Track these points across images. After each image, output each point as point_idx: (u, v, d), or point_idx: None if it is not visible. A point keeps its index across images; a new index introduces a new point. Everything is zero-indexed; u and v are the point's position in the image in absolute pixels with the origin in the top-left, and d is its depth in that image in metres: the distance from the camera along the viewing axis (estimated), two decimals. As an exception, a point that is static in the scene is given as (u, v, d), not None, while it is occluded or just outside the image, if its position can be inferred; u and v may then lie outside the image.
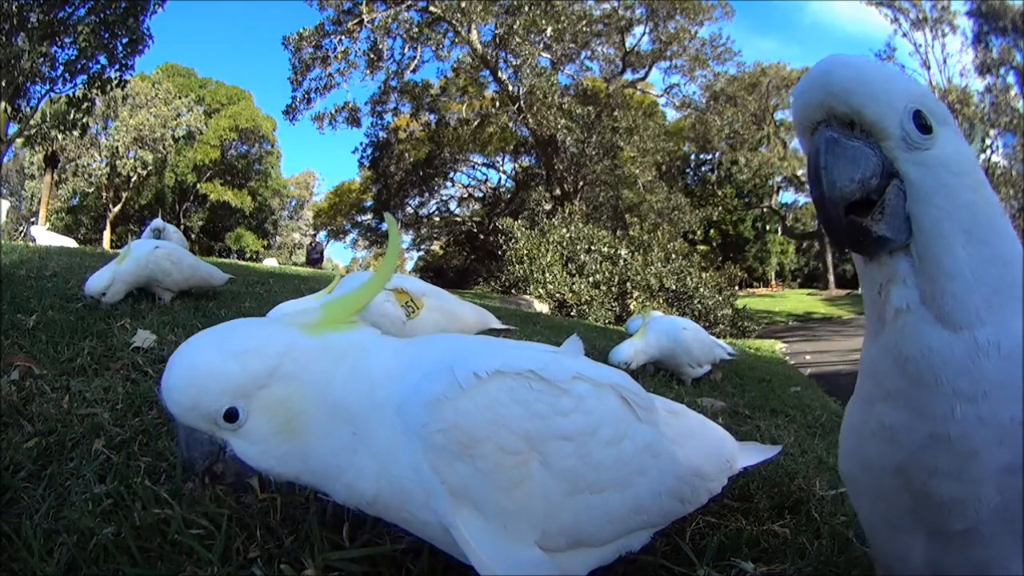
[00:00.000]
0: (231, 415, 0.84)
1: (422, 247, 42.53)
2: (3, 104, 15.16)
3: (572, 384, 0.97)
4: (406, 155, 33.37)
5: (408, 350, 0.98)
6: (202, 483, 0.91)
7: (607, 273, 14.69)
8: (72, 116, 17.31)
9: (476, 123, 30.52)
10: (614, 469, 0.97)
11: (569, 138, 24.88)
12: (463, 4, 23.60)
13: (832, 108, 0.74)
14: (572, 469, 0.92)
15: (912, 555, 0.80)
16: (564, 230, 15.88)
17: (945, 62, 22.72)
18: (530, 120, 25.64)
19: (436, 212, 38.52)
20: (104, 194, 31.90)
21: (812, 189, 0.75)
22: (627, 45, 28.68)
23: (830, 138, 0.74)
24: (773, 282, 50.08)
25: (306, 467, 0.88)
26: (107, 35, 16.14)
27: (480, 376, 0.89)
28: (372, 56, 26.10)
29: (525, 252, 15.10)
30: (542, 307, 13.26)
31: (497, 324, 2.99)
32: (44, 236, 11.12)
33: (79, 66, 16.23)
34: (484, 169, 37.58)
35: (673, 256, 15.76)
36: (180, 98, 33.00)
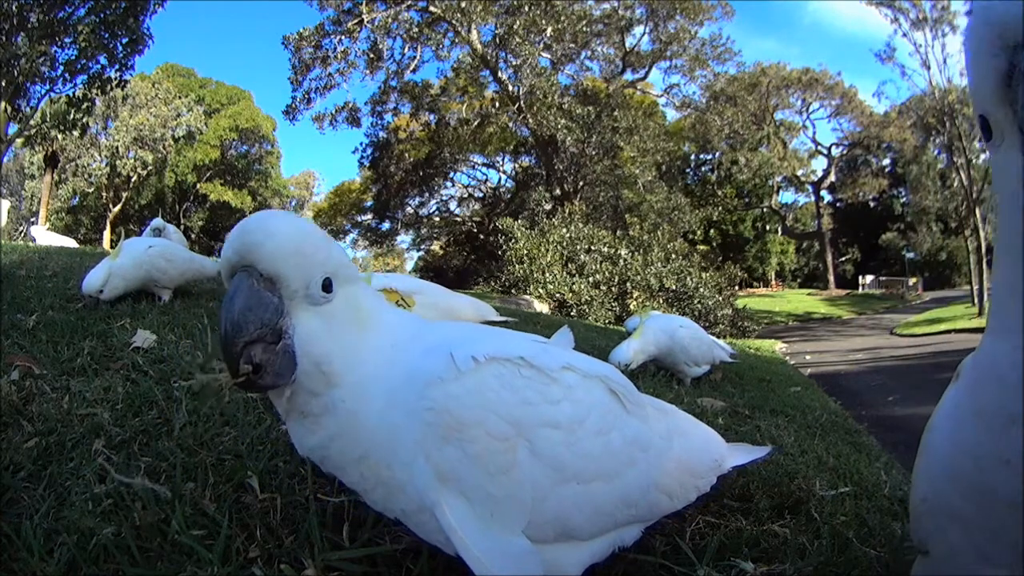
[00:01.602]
0: (328, 285, 0.89)
1: (422, 247, 42.60)
2: (3, 104, 15.16)
3: (561, 374, 0.97)
4: (406, 155, 33.42)
5: (423, 323, 1.07)
6: (236, 367, 0.84)
7: (607, 273, 14.70)
8: (72, 116, 17.29)
9: (476, 123, 30.52)
10: (602, 459, 0.97)
11: (569, 138, 24.89)
12: (463, 4, 23.62)
13: None
14: (560, 457, 0.91)
15: None
16: (564, 230, 15.91)
17: (945, 62, 22.68)
18: (530, 120, 25.65)
19: (436, 212, 38.59)
20: (104, 194, 31.89)
21: None
22: (627, 45, 28.72)
23: None
24: (773, 282, 50.10)
25: (350, 367, 0.90)
26: (107, 35, 16.15)
27: (477, 360, 0.90)
28: (372, 56, 26.12)
29: (525, 252, 15.12)
30: (542, 307, 13.26)
31: (496, 317, 2.98)
32: (44, 236, 11.08)
33: (79, 66, 16.23)
34: (484, 169, 37.69)
35: (673, 256, 15.80)
36: (180, 98, 32.98)
